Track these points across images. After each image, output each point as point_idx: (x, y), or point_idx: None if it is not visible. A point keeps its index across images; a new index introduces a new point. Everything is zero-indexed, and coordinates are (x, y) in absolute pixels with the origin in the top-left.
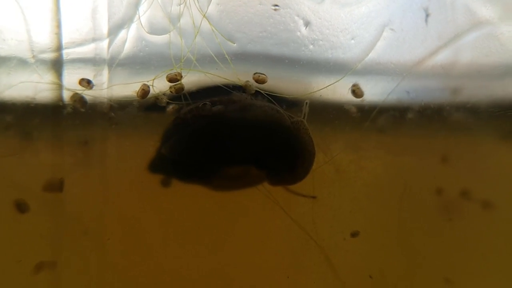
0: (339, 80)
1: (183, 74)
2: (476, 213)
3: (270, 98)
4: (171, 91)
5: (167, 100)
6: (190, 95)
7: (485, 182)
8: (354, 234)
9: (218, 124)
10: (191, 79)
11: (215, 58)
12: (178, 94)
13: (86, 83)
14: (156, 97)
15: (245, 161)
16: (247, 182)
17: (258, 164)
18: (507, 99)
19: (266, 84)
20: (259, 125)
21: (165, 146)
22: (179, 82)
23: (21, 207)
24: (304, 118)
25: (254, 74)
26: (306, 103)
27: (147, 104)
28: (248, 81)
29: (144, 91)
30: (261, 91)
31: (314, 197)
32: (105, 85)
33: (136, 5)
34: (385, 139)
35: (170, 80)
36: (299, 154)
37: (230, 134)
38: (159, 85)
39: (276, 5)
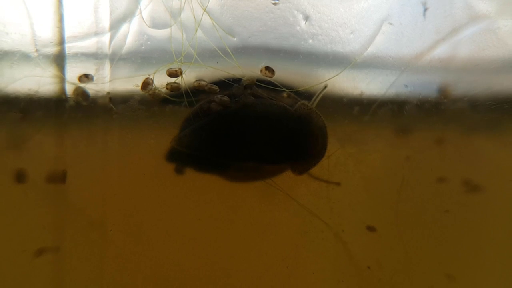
0: (338, 74)
1: (184, 68)
2: (473, 205)
3: (283, 87)
4: (167, 88)
5: (165, 96)
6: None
7: (482, 174)
8: (370, 228)
9: (222, 121)
10: (192, 75)
11: (219, 52)
12: (174, 93)
13: (86, 77)
14: (154, 92)
15: (253, 157)
16: (262, 174)
17: (271, 160)
18: (504, 92)
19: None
20: (262, 121)
21: (174, 139)
22: (177, 79)
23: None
24: (314, 101)
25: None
26: (325, 86)
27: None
28: (251, 76)
29: (146, 84)
30: (261, 84)
31: (338, 184)
32: (107, 79)
33: None
34: (383, 132)
35: (170, 75)
36: (310, 135)
37: (233, 130)
38: (160, 80)
39: (276, 0)
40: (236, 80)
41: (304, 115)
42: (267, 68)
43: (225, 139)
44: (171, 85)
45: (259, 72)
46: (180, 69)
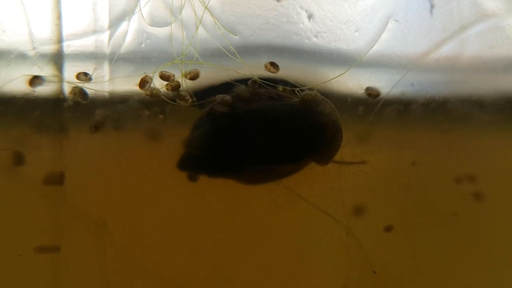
0: (343, 73)
1: (185, 67)
2: (482, 207)
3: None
4: (167, 89)
5: (163, 97)
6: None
7: (490, 175)
8: (376, 230)
9: (231, 122)
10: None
11: (223, 49)
12: (174, 92)
13: (84, 75)
14: (151, 91)
15: (269, 160)
16: (277, 175)
17: (290, 160)
18: None
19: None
20: (271, 122)
21: (185, 139)
22: (174, 80)
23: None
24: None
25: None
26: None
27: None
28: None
29: (144, 82)
30: (264, 82)
31: (365, 162)
32: (106, 78)
33: None
34: (389, 133)
35: (162, 77)
36: (322, 123)
37: (243, 132)
38: (160, 79)
39: None
40: (239, 80)
41: (311, 105)
42: (271, 63)
43: (235, 140)
44: (171, 85)
45: (263, 68)
46: (173, 75)
